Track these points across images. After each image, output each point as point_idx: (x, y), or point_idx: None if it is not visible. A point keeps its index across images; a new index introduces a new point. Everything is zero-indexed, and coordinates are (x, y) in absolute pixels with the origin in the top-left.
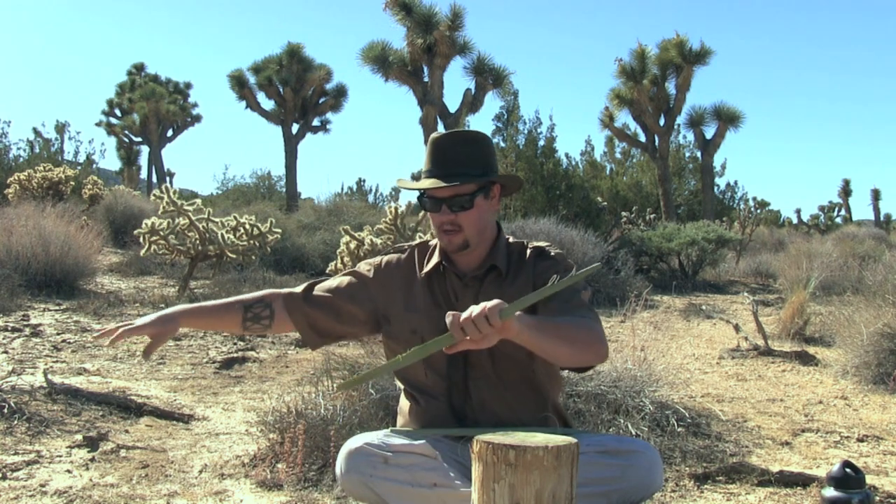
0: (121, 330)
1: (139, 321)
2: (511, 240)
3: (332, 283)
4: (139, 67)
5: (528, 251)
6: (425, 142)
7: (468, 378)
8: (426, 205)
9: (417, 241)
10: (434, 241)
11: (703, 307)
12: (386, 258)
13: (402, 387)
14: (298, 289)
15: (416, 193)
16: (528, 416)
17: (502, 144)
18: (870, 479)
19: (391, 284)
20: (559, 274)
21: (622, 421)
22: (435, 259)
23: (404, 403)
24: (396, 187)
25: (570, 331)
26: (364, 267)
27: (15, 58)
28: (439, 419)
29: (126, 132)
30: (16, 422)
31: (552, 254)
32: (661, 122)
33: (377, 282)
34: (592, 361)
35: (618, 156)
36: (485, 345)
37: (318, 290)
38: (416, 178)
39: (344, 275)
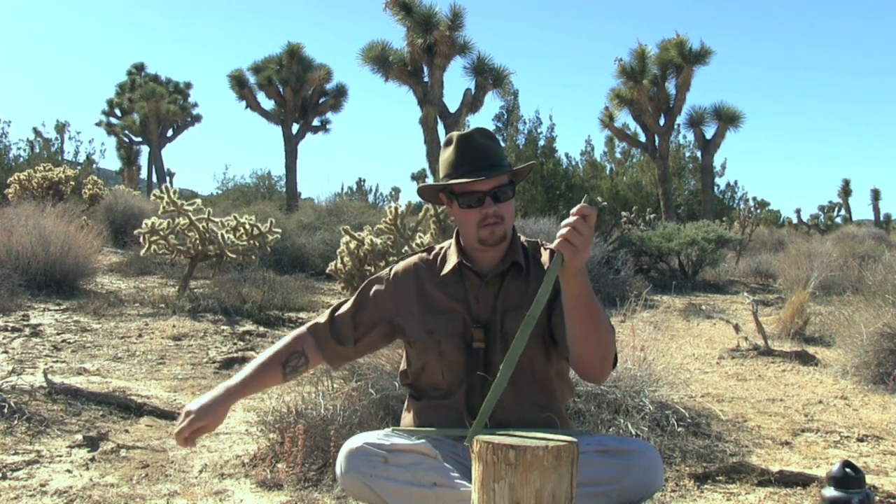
0: (185, 436)
1: (189, 422)
2: (523, 239)
3: (351, 309)
4: (139, 67)
5: (545, 251)
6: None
7: (486, 378)
8: (465, 201)
9: (421, 248)
10: (442, 246)
11: (703, 307)
12: (395, 268)
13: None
14: (323, 319)
15: (416, 194)
16: (539, 418)
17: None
18: (870, 479)
19: (405, 291)
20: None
21: (622, 421)
22: (453, 259)
23: (412, 404)
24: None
25: (604, 324)
26: (375, 284)
27: (15, 58)
28: (455, 419)
29: (126, 132)
30: (16, 422)
31: None
32: (661, 122)
33: (389, 293)
34: (598, 362)
35: (618, 156)
36: (584, 252)
37: (340, 321)
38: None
39: (357, 299)
